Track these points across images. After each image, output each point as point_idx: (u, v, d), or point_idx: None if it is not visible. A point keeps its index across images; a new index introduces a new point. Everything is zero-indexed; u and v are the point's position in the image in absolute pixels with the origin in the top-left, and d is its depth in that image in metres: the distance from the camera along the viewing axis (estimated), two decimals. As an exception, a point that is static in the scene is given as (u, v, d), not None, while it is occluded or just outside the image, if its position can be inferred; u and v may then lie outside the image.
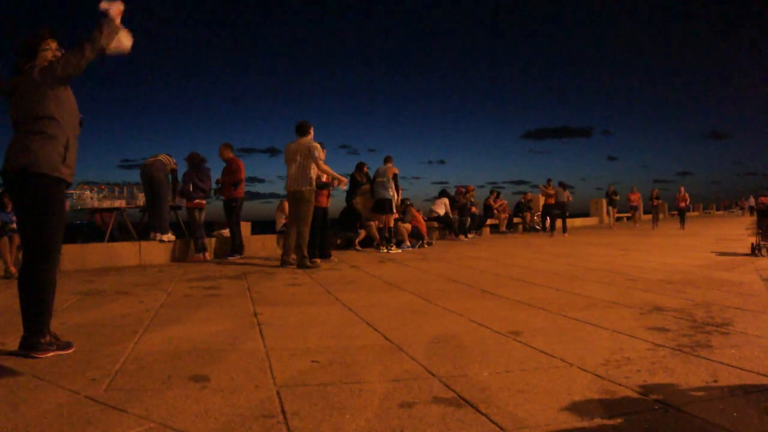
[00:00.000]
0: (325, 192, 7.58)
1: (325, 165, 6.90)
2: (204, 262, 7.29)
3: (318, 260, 6.93)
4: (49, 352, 2.58)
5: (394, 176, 9.12)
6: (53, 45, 2.73)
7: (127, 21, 2.81)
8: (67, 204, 6.76)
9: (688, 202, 19.12)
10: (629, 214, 21.46)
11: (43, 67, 2.63)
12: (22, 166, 2.56)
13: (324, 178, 7.30)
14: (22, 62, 2.68)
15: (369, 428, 1.78)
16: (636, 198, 19.27)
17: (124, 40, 2.77)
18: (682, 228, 16.80)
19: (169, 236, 7.56)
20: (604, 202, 19.72)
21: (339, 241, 9.62)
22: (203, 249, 7.53)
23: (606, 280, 5.38)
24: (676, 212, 19.53)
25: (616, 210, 19.00)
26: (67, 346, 2.69)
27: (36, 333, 2.58)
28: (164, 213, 7.59)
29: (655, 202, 19.03)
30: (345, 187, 7.98)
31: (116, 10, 2.69)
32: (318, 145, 6.62)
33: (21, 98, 2.62)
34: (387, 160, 9.37)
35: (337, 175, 7.19)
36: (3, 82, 2.69)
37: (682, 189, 18.46)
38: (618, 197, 18.75)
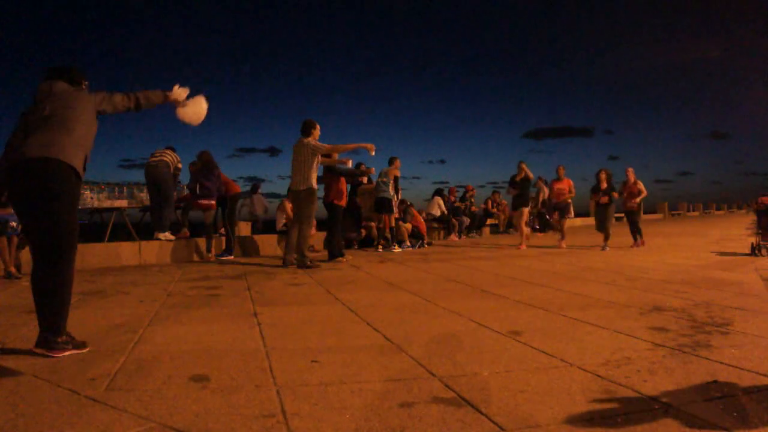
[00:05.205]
0: (343, 190, 7.56)
1: (338, 144, 6.82)
2: (206, 262, 7.30)
3: (343, 258, 7.25)
4: (65, 351, 2.58)
5: (395, 178, 9.20)
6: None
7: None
8: None
9: (642, 197, 9.62)
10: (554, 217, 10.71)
11: (97, 92, 2.88)
12: (55, 156, 2.59)
13: (346, 162, 7.24)
14: (75, 76, 2.94)
15: (369, 428, 1.78)
16: (563, 188, 9.96)
17: (196, 112, 3.19)
18: (635, 244, 9.33)
19: (167, 235, 7.56)
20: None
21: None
22: (210, 249, 7.55)
23: (606, 279, 5.37)
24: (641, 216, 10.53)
25: (530, 208, 10.65)
26: (83, 345, 2.70)
27: (53, 332, 2.58)
28: (166, 212, 7.59)
29: (604, 199, 9.22)
30: (373, 153, 7.05)
31: (181, 94, 3.13)
32: (316, 142, 6.55)
33: (65, 102, 2.75)
34: (391, 161, 9.52)
35: (358, 145, 6.88)
36: (45, 87, 2.80)
37: (631, 174, 9.61)
38: (547, 190, 11.01)
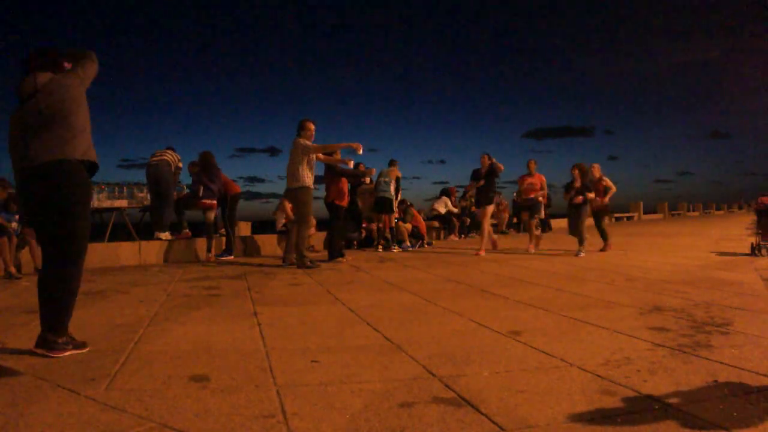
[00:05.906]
0: (344, 189, 7.54)
1: (326, 144, 6.75)
2: (206, 263, 7.30)
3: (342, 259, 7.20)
4: (65, 351, 2.58)
5: (397, 179, 9.23)
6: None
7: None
8: None
9: (609, 194, 8.73)
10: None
11: (77, 73, 2.77)
12: (70, 156, 2.57)
13: (347, 161, 7.19)
14: (58, 62, 2.78)
15: (369, 428, 1.78)
16: (535, 183, 9.11)
17: None
18: (605, 246, 8.57)
19: (166, 235, 7.56)
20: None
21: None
22: (210, 249, 7.55)
23: (606, 280, 5.37)
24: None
25: (485, 213, 8.62)
26: (83, 345, 2.69)
27: (54, 332, 2.58)
28: (166, 212, 7.60)
29: (577, 199, 8.01)
30: (361, 152, 6.77)
31: None
32: (305, 142, 6.50)
33: (58, 95, 2.63)
34: (392, 163, 9.59)
35: (346, 144, 6.75)
36: (29, 83, 2.66)
37: (597, 170, 8.66)
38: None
